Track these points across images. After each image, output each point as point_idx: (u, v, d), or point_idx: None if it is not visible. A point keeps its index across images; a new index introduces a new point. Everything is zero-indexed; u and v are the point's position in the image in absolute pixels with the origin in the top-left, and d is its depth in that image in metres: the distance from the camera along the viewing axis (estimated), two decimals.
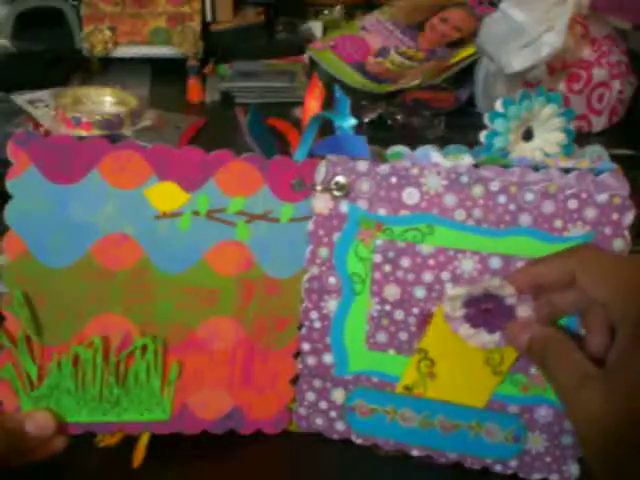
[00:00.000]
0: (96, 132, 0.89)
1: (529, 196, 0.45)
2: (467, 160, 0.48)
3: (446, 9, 1.14)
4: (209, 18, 1.19)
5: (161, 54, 1.16)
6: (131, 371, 0.49)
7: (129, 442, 0.50)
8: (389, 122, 0.97)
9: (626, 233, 0.45)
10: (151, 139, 0.88)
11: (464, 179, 0.46)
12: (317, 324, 0.49)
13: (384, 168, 0.46)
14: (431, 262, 0.47)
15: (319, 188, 0.47)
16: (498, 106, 0.54)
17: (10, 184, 0.46)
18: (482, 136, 0.53)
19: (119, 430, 0.50)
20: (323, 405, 0.51)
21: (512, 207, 0.45)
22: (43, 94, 0.97)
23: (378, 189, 0.47)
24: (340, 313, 0.49)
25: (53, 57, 1.11)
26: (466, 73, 1.03)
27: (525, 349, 0.44)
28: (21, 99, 0.96)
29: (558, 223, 0.45)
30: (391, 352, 0.49)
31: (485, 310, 0.45)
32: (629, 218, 0.45)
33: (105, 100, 0.98)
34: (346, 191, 0.47)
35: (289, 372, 0.51)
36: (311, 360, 0.50)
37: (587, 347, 0.42)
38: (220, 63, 1.15)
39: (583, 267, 0.42)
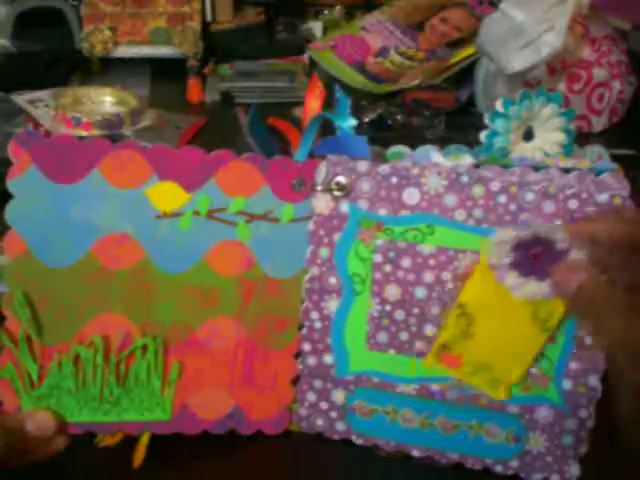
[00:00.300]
0: (96, 132, 0.89)
1: (529, 196, 0.45)
2: (467, 160, 0.48)
3: (446, 9, 1.14)
4: (209, 18, 1.19)
5: (161, 54, 1.16)
6: (131, 371, 0.49)
7: (129, 442, 0.50)
8: (389, 122, 0.97)
9: None
10: (151, 139, 0.88)
11: (464, 179, 0.46)
12: (318, 324, 0.49)
13: (384, 168, 0.46)
14: (432, 262, 0.47)
15: (320, 188, 0.47)
16: (498, 106, 0.54)
17: (11, 184, 0.46)
18: (482, 136, 0.54)
19: (119, 430, 0.50)
20: (323, 405, 0.51)
21: (512, 207, 0.45)
22: (43, 94, 0.97)
23: (378, 189, 0.47)
24: (340, 313, 0.49)
25: (53, 57, 1.11)
26: (466, 73, 1.03)
27: (573, 293, 0.41)
28: (21, 99, 0.96)
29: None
30: (391, 352, 0.49)
31: (534, 256, 0.43)
32: None
33: (105, 100, 0.98)
34: (346, 191, 0.47)
35: (290, 372, 0.51)
36: (312, 360, 0.50)
37: None
38: (220, 63, 1.15)
39: None
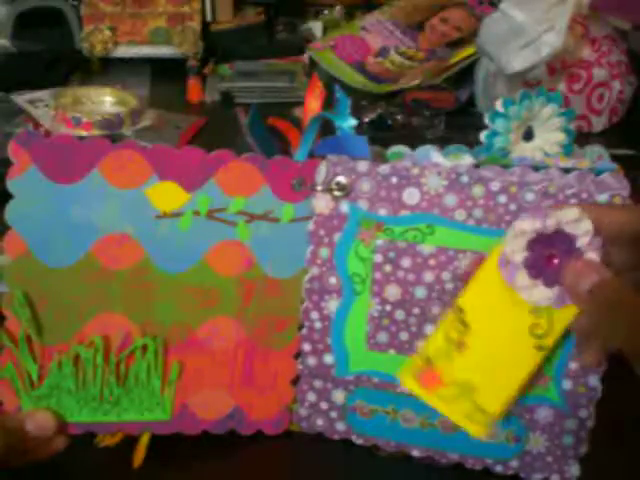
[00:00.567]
0: (96, 132, 0.89)
1: (529, 196, 0.45)
2: (467, 160, 0.48)
3: (446, 9, 1.14)
4: (209, 18, 1.19)
5: (161, 54, 1.16)
6: (131, 371, 0.49)
7: (129, 442, 0.50)
8: (389, 122, 0.97)
9: None
10: (151, 139, 0.88)
11: (464, 179, 0.46)
12: (318, 324, 0.49)
13: (384, 168, 0.46)
14: (432, 262, 0.47)
15: (320, 188, 0.47)
16: (498, 106, 0.54)
17: (11, 184, 0.46)
18: (482, 136, 0.54)
19: (119, 430, 0.50)
20: (324, 405, 0.51)
21: (512, 207, 0.45)
22: (43, 94, 0.97)
23: (378, 189, 0.47)
24: (341, 313, 0.49)
25: (53, 57, 1.11)
26: (466, 73, 1.03)
27: (585, 292, 0.39)
28: (21, 99, 0.96)
29: None
30: (391, 352, 0.49)
31: (549, 257, 0.41)
32: None
33: (105, 100, 0.98)
34: (347, 191, 0.47)
35: (290, 372, 0.51)
36: (312, 360, 0.50)
37: None
38: (220, 63, 1.15)
39: None
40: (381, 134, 0.94)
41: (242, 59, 1.15)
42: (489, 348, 0.42)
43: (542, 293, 0.41)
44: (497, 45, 0.91)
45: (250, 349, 0.50)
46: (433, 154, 0.49)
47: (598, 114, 0.98)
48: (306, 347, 0.50)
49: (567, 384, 0.47)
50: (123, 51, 1.15)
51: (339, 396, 0.50)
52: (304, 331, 0.50)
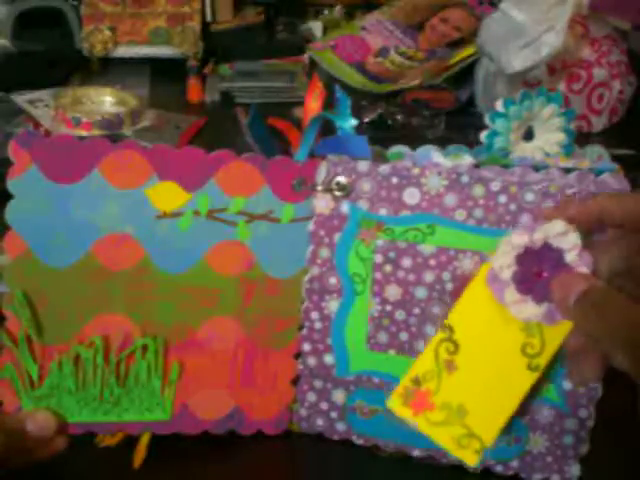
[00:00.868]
0: (96, 132, 0.89)
1: (530, 196, 0.45)
2: (468, 160, 0.48)
3: (446, 9, 1.14)
4: (209, 18, 1.19)
5: (161, 54, 1.16)
6: (132, 371, 0.49)
7: (129, 442, 0.50)
8: (389, 122, 0.97)
9: None
10: (151, 139, 0.88)
11: (465, 179, 0.46)
12: (318, 324, 0.49)
13: (385, 168, 0.46)
14: (432, 262, 0.47)
15: (320, 188, 0.47)
16: (498, 106, 0.54)
17: (11, 184, 0.46)
18: (482, 136, 0.54)
19: (119, 430, 0.50)
20: (324, 406, 0.51)
21: (513, 207, 0.45)
22: (43, 94, 0.97)
23: (379, 189, 0.47)
24: (341, 313, 0.49)
25: (53, 57, 1.11)
26: (466, 73, 1.03)
27: (574, 301, 0.38)
28: (21, 99, 0.96)
29: None
30: (392, 352, 0.49)
31: (537, 273, 0.40)
32: None
33: (105, 100, 0.98)
34: (347, 191, 0.47)
35: (290, 372, 0.51)
36: (312, 360, 0.50)
37: None
38: (220, 63, 1.15)
39: None
40: (381, 134, 0.94)
41: (242, 59, 1.15)
42: (480, 369, 0.41)
43: (532, 309, 0.40)
44: (497, 45, 0.91)
45: (250, 349, 0.50)
46: (433, 154, 0.49)
47: (598, 114, 0.98)
48: (306, 347, 0.50)
49: (567, 384, 0.47)
50: (123, 51, 1.15)
51: (339, 396, 0.50)
52: (304, 331, 0.50)
